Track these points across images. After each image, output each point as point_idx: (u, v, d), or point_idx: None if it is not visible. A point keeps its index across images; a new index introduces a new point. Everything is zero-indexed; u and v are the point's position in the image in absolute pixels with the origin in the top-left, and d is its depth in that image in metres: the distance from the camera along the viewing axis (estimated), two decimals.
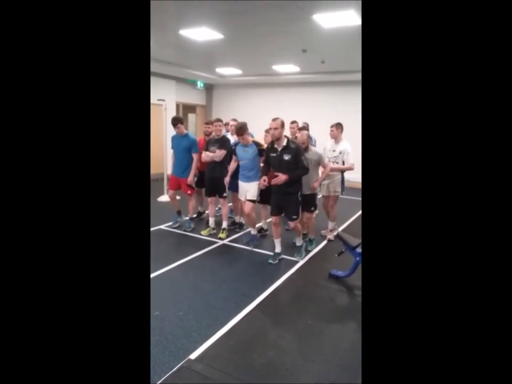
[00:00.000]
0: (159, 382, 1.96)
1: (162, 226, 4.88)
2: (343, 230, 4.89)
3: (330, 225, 4.57)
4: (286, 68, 7.72)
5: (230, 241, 4.43)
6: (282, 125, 3.58)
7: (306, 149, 3.91)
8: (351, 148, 4.34)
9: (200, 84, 9.80)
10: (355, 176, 7.49)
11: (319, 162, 3.99)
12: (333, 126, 4.42)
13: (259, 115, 9.77)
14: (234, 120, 5.06)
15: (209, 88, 10.51)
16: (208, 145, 4.42)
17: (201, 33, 5.04)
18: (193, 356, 2.20)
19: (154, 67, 7.73)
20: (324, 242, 4.47)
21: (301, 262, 3.82)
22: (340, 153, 4.31)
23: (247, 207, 4.10)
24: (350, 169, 4.32)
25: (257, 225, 4.52)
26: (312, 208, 4.04)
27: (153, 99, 7.99)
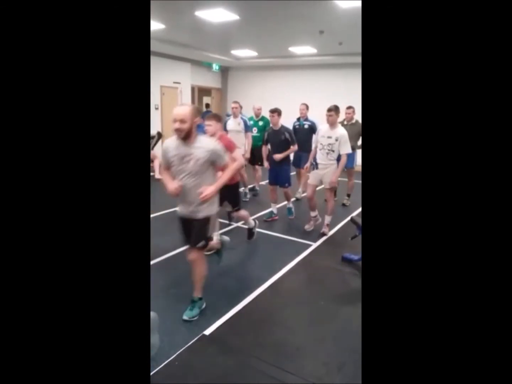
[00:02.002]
0: (174, 355, 2.06)
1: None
2: (358, 215, 4.88)
3: (327, 219, 4.21)
4: (303, 50, 7.58)
5: (243, 223, 4.49)
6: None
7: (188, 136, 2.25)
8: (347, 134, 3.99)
9: (215, 66, 9.74)
10: None
11: (214, 161, 2.32)
12: (332, 110, 3.91)
13: (275, 97, 9.68)
14: (236, 102, 5.35)
15: (224, 71, 10.44)
16: None
17: (217, 15, 4.99)
18: (207, 332, 2.29)
19: (169, 49, 7.71)
20: (337, 228, 4.48)
21: (314, 246, 3.86)
22: (337, 140, 3.89)
23: None
24: (343, 163, 3.95)
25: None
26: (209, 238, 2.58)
27: (168, 82, 8.06)
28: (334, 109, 3.92)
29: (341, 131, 3.97)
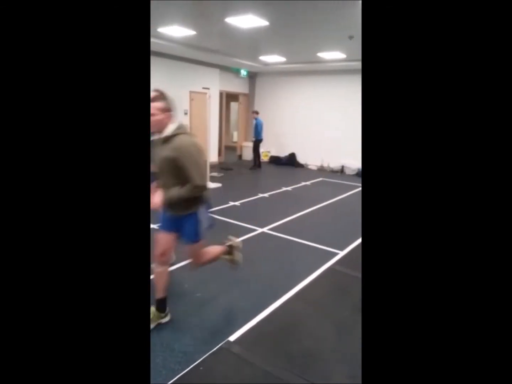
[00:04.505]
0: (199, 360, 2.07)
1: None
2: None
3: None
4: (332, 55, 7.51)
5: (269, 229, 4.48)
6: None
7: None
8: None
9: (243, 72, 9.82)
10: None
11: None
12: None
13: (303, 103, 9.67)
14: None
15: (252, 76, 10.51)
16: None
17: (247, 21, 5.03)
18: (232, 338, 2.29)
19: (199, 55, 7.86)
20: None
21: (341, 254, 3.79)
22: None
23: None
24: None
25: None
26: None
27: (198, 88, 8.21)
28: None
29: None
